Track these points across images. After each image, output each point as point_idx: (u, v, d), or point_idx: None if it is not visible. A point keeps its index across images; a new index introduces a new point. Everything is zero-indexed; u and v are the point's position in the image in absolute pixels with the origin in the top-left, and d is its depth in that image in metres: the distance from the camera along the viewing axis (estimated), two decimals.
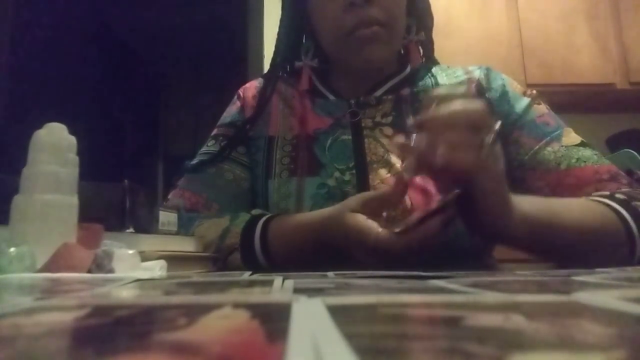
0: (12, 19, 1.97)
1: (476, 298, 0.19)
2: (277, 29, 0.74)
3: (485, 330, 0.12)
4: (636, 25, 2.03)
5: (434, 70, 0.72)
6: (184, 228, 0.57)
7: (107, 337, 0.12)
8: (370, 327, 0.13)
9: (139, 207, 0.48)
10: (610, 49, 2.00)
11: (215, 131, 0.74)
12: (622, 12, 2.04)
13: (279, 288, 0.24)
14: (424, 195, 0.58)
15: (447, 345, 0.11)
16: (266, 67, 0.77)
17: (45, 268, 0.35)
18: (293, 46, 0.72)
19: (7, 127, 1.77)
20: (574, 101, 2.02)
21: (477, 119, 0.40)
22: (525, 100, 0.64)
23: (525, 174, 0.61)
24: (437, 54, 0.75)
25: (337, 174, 0.63)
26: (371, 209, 0.48)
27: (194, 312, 0.16)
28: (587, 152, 0.60)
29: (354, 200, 0.50)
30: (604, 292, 0.21)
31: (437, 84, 0.69)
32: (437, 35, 0.74)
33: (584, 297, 0.19)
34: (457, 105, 0.40)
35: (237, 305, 0.17)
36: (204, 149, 0.72)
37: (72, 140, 0.43)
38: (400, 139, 0.44)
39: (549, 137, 0.61)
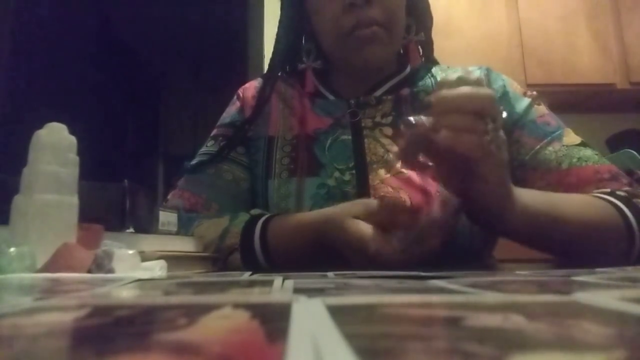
0: (13, 18, 1.97)
1: (476, 298, 0.19)
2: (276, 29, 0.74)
3: (485, 330, 0.12)
4: (636, 25, 2.03)
5: (433, 70, 0.72)
6: (183, 228, 0.57)
7: (107, 337, 0.12)
8: (370, 327, 0.13)
9: (139, 207, 0.48)
10: (610, 49, 2.00)
11: (214, 131, 0.74)
12: (622, 12, 2.04)
13: (279, 288, 0.24)
14: (424, 195, 0.58)
15: (447, 345, 0.11)
16: (266, 67, 0.77)
17: (45, 268, 0.35)
18: (292, 47, 0.72)
19: (7, 127, 1.77)
20: (574, 101, 2.02)
21: (484, 105, 0.40)
22: (526, 101, 0.64)
23: (526, 174, 0.61)
24: (437, 54, 0.75)
25: (337, 174, 0.63)
26: (375, 220, 0.48)
27: (194, 312, 0.16)
28: (587, 152, 0.60)
29: (359, 207, 0.50)
30: (604, 292, 0.21)
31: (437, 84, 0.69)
32: (437, 35, 0.74)
33: (584, 297, 0.19)
34: (464, 90, 0.40)
35: (237, 305, 0.17)
36: (203, 149, 0.72)
37: (73, 140, 0.43)
38: (403, 122, 0.44)
39: (550, 137, 0.61)
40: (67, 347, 0.12)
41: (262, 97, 0.71)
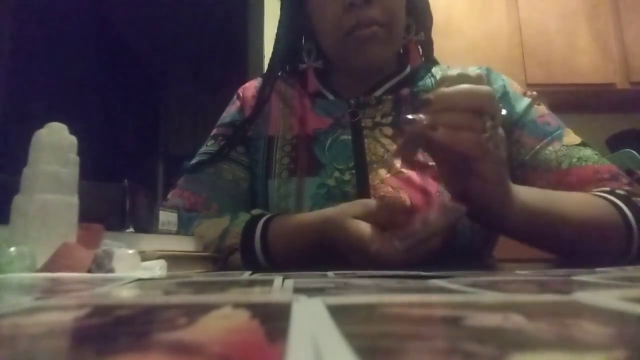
0: (13, 19, 1.97)
1: (476, 298, 0.19)
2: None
3: (485, 330, 0.12)
4: (636, 25, 2.03)
5: (433, 70, 0.72)
6: (183, 228, 0.57)
7: (107, 337, 0.12)
8: (370, 327, 0.13)
9: (139, 207, 0.48)
10: (610, 49, 2.00)
11: (214, 131, 0.74)
12: (622, 12, 2.04)
13: (279, 288, 0.24)
14: (424, 195, 0.58)
15: (447, 345, 0.11)
16: (266, 67, 0.77)
17: (45, 268, 0.35)
18: (292, 46, 0.72)
19: (7, 127, 1.77)
20: (574, 101, 2.02)
21: (482, 102, 0.40)
22: (526, 101, 0.64)
23: (526, 174, 0.61)
24: (437, 54, 0.75)
25: (337, 174, 0.63)
26: (374, 220, 0.48)
27: (194, 312, 0.16)
28: (587, 152, 0.60)
29: (359, 207, 0.50)
30: (604, 292, 0.21)
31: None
32: (437, 35, 0.74)
33: (584, 297, 0.19)
34: (464, 87, 0.40)
35: (237, 305, 0.17)
36: (203, 148, 0.72)
37: (73, 140, 0.43)
38: (402, 120, 0.44)
39: (550, 137, 0.61)
40: (67, 347, 0.12)
41: (262, 97, 0.71)
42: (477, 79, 0.41)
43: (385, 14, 0.61)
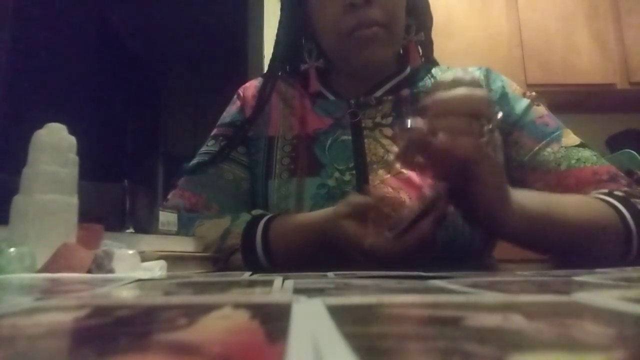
0: (12, 19, 1.98)
1: (476, 298, 0.19)
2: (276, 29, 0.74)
3: (485, 330, 0.12)
4: (636, 25, 2.03)
5: (433, 71, 0.72)
6: (184, 228, 0.57)
7: (107, 338, 0.12)
8: (370, 327, 0.13)
9: (139, 207, 0.48)
10: (610, 49, 2.00)
11: (215, 131, 0.74)
12: (622, 13, 2.04)
13: (279, 288, 0.24)
14: (420, 193, 0.58)
15: (447, 345, 0.11)
16: (266, 67, 0.77)
17: (45, 268, 0.35)
18: (292, 47, 0.72)
19: (7, 127, 1.77)
20: (574, 101, 2.02)
21: (479, 106, 0.40)
22: (525, 102, 0.64)
23: (525, 175, 0.61)
24: (437, 54, 0.75)
25: (337, 174, 0.63)
26: (361, 215, 0.49)
27: (194, 312, 0.16)
28: (586, 153, 0.60)
29: (343, 207, 0.50)
30: (604, 292, 0.21)
31: None
32: (437, 35, 0.74)
33: (584, 297, 0.19)
34: (459, 91, 0.40)
35: (237, 306, 0.17)
36: (203, 148, 0.72)
37: (72, 140, 0.43)
38: (399, 125, 0.44)
39: (548, 138, 0.61)
40: (67, 347, 0.12)
41: (263, 97, 0.71)
42: (472, 82, 0.41)
43: (386, 15, 0.61)
